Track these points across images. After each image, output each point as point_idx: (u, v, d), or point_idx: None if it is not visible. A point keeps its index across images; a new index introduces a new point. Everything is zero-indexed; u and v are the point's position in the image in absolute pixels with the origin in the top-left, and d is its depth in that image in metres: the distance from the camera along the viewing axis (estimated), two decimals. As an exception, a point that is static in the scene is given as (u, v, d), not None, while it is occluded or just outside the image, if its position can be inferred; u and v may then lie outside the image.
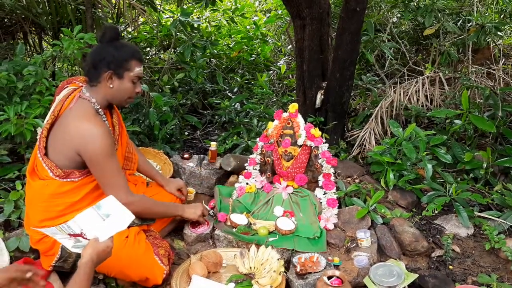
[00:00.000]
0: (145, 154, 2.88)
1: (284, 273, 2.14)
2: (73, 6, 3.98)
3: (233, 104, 4.04)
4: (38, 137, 2.05)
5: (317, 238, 2.39)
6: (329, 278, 2.05)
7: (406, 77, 4.10)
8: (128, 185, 2.08)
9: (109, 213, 1.70)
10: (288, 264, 2.28)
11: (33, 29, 4.34)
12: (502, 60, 4.12)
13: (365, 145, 3.36)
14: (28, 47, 4.51)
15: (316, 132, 2.65)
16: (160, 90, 4.01)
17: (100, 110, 2.03)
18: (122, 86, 2.03)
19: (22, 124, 2.51)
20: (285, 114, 2.72)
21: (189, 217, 2.39)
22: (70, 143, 1.91)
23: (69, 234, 1.69)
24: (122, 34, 4.70)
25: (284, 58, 5.67)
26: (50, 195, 1.97)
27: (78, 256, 1.97)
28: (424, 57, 4.85)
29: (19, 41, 4.16)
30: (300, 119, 2.69)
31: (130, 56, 2.02)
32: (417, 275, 2.13)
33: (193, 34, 3.91)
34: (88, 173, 2.01)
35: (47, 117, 2.05)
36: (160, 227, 2.41)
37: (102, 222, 1.69)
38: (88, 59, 2.06)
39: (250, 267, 2.12)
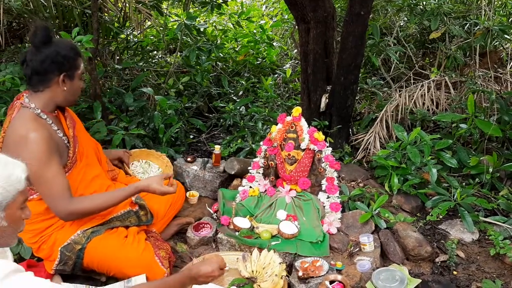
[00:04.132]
0: (147, 156, 2.91)
1: (286, 277, 2.13)
2: (79, 10, 4.02)
3: (238, 107, 4.04)
4: None
5: (320, 242, 2.37)
6: (331, 282, 2.05)
7: (412, 81, 4.08)
8: (68, 190, 1.93)
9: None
10: (290, 268, 2.27)
11: (41, 32, 4.38)
12: (510, 64, 4.08)
13: (369, 149, 3.34)
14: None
15: (319, 136, 2.64)
16: (165, 93, 4.02)
17: (41, 114, 1.95)
18: (74, 86, 2.02)
19: None
20: (288, 118, 2.71)
21: (149, 189, 2.04)
22: (10, 153, 1.86)
23: None
24: (128, 37, 4.73)
25: (291, 62, 5.67)
26: None
27: (77, 258, 2.00)
28: (430, 60, 4.82)
29: (26, 44, 4.20)
30: (303, 122, 2.68)
31: (75, 54, 1.99)
32: (420, 280, 2.11)
33: (199, 38, 3.93)
34: None
35: None
36: (162, 228, 2.40)
37: None
38: (31, 65, 1.92)
39: (252, 271, 2.11)
